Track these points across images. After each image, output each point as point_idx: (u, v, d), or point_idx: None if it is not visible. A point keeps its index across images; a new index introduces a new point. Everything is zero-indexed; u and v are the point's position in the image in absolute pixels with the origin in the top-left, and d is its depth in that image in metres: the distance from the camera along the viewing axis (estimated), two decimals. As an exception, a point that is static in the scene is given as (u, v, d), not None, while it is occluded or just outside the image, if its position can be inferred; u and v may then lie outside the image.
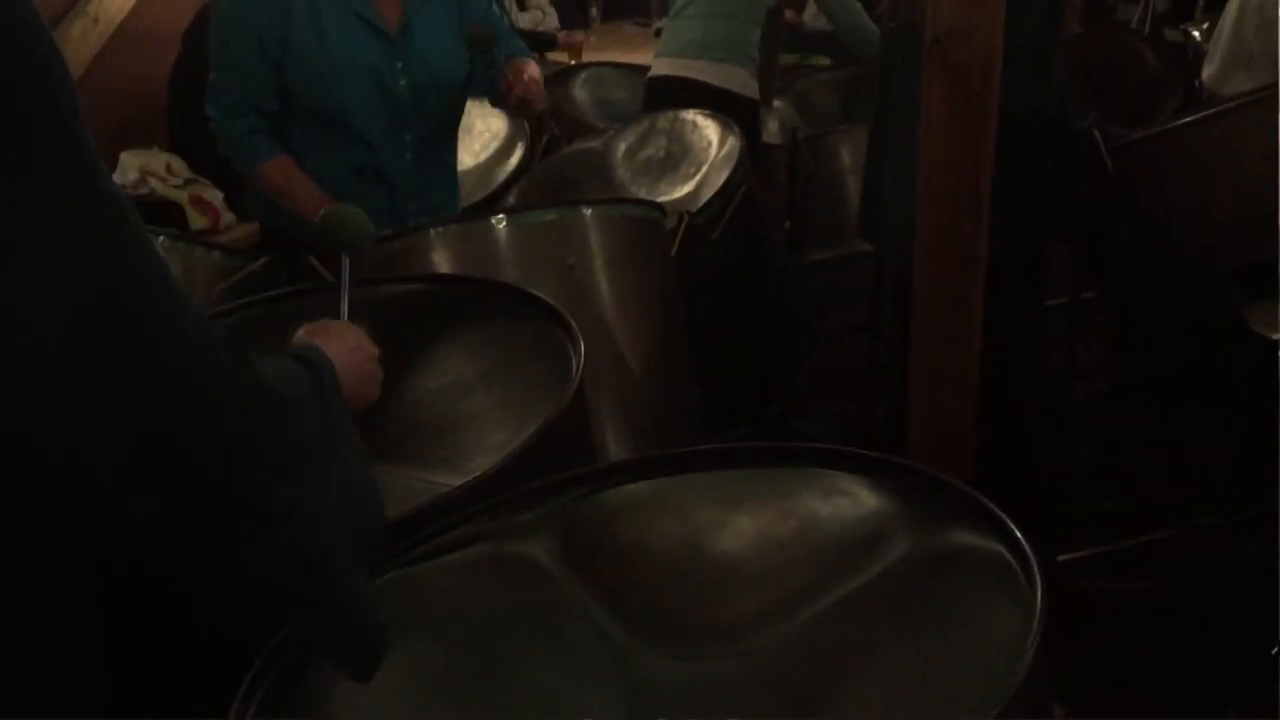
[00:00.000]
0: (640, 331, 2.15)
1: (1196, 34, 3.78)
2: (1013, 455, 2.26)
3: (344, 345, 1.16)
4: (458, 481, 1.31)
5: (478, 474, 1.28)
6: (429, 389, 1.51)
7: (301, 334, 1.22)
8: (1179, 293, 2.28)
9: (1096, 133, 2.13)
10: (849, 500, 1.18)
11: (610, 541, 1.22)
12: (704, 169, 2.83)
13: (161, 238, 2.05)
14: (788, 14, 3.90)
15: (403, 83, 2.29)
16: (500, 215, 2.09)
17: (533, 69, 2.42)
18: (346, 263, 1.43)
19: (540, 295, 1.59)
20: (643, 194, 2.91)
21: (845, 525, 1.15)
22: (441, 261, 2.04)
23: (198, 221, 3.57)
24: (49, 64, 0.72)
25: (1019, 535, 0.96)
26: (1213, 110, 2.26)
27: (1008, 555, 0.97)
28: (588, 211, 2.11)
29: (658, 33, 5.86)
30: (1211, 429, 2.79)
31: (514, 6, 5.83)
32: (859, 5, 3.61)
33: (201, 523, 0.83)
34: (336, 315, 1.47)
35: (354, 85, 2.25)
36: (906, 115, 2.06)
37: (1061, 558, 2.42)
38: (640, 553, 1.20)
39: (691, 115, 2.95)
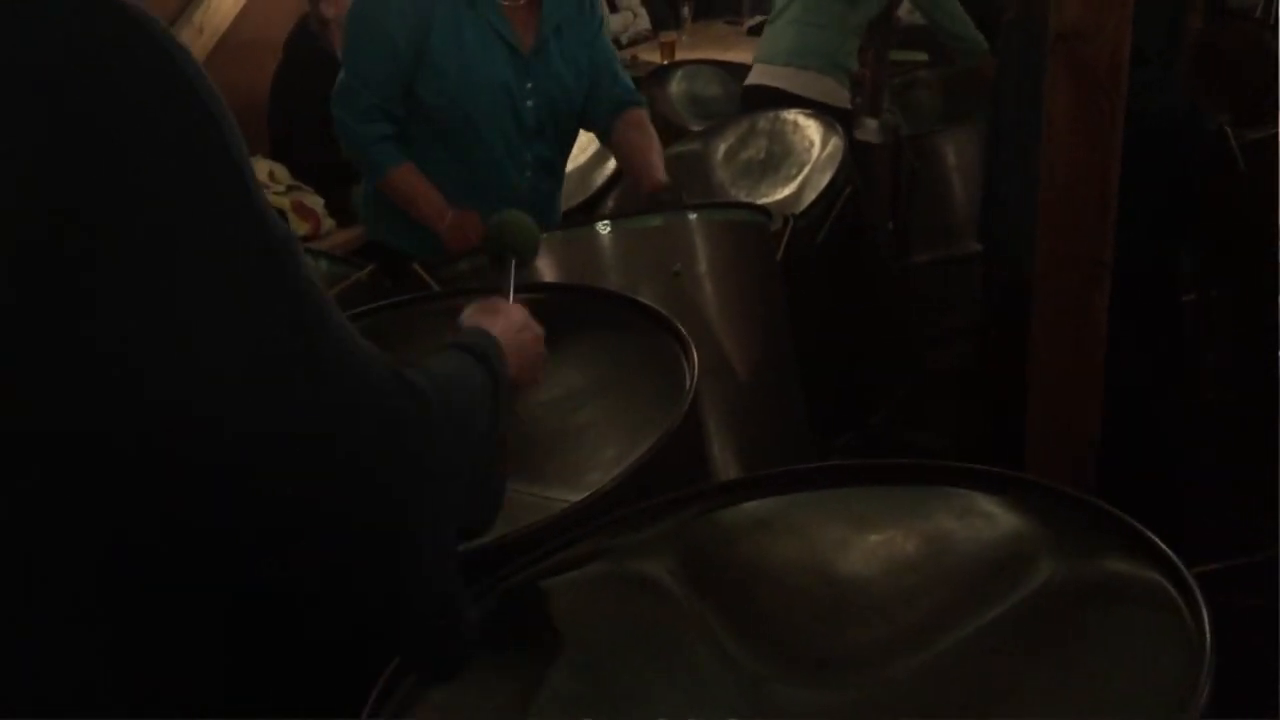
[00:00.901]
0: (746, 339, 2.11)
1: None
2: (1141, 468, 2.17)
3: (511, 325, 1.15)
4: (573, 497, 1.29)
5: (595, 490, 1.26)
6: (539, 401, 1.49)
7: (469, 314, 1.20)
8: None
9: (1229, 129, 2.04)
10: (985, 521, 1.12)
11: (733, 561, 1.19)
12: (806, 170, 2.78)
13: (271, 247, 2.06)
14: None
15: (530, 103, 2.31)
16: (605, 221, 2.07)
17: (646, 135, 2.43)
18: (513, 263, 1.40)
19: (653, 305, 1.56)
20: (743, 196, 2.87)
21: (982, 547, 1.10)
22: (545, 268, 2.03)
23: (299, 227, 3.63)
24: (220, 115, 0.71)
25: (1182, 567, 0.90)
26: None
27: (1169, 587, 0.91)
28: (693, 217, 2.08)
29: (749, 31, 5.82)
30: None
31: (605, 9, 5.82)
32: (963, 12, 3.51)
33: (366, 548, 0.80)
34: (442, 328, 1.46)
35: (485, 99, 2.27)
36: (1025, 113, 1.98)
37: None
38: (765, 573, 1.17)
39: (793, 115, 2.90)
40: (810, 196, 2.62)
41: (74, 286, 0.66)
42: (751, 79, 3.58)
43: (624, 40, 5.76)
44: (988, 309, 2.81)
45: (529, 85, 2.30)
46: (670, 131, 3.74)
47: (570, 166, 3.42)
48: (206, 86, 0.71)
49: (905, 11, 6.76)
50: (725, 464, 2.07)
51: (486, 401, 0.97)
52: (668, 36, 5.18)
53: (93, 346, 0.68)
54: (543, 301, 1.70)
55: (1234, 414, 2.79)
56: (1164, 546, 0.94)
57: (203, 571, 0.79)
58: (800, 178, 2.77)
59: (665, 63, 4.84)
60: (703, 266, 2.08)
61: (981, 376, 2.95)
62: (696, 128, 3.58)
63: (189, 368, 0.70)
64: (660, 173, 2.37)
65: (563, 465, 1.41)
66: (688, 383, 1.38)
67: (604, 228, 2.04)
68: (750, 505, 1.24)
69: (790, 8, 3.47)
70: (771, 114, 2.96)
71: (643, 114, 2.49)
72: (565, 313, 1.65)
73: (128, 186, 0.66)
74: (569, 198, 3.18)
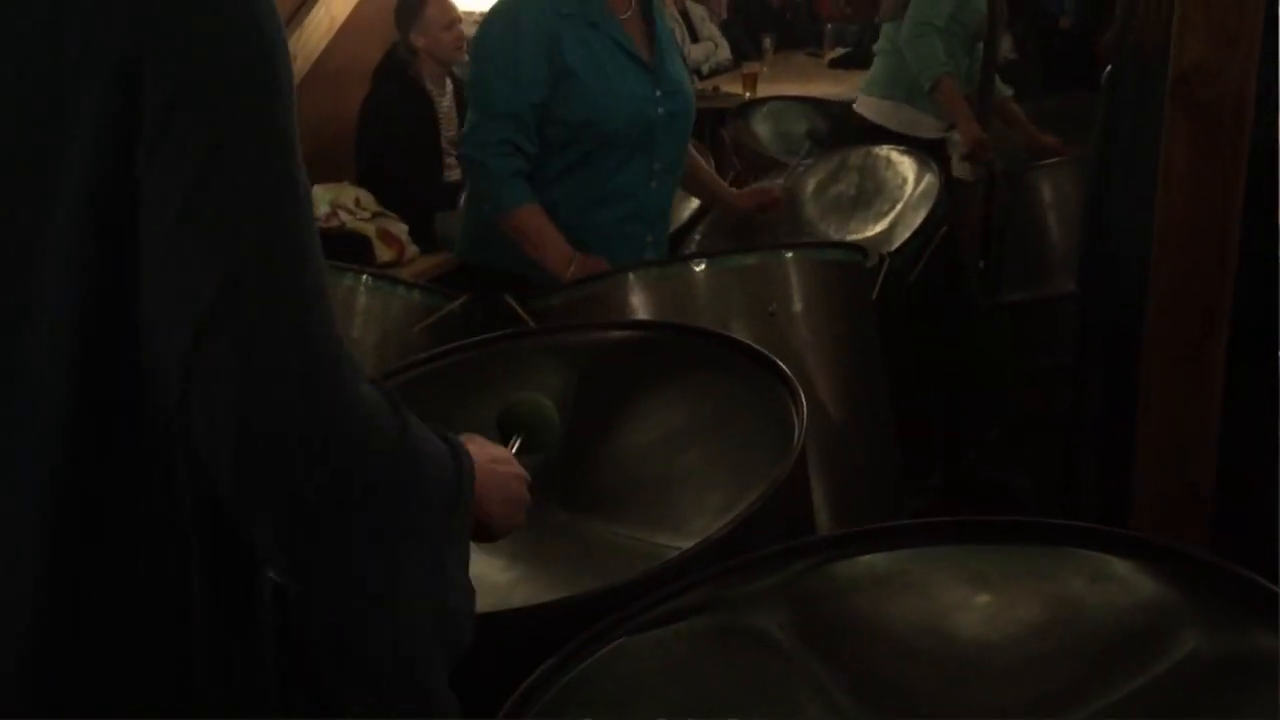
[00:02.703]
0: (842, 379, 2.08)
1: None
2: (1256, 527, 2.08)
3: (491, 455, 1.06)
4: (679, 544, 1.27)
5: (703, 538, 1.23)
6: (638, 443, 1.47)
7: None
8: None
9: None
10: (1119, 586, 1.07)
11: (847, 617, 1.15)
12: (899, 207, 2.74)
13: (365, 277, 2.07)
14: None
15: (660, 110, 2.34)
16: (700, 259, 2.05)
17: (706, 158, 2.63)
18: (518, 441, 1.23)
19: (759, 348, 1.53)
20: (831, 232, 2.83)
21: (1117, 615, 1.05)
22: (640, 305, 2.01)
23: (385, 254, 3.65)
24: (278, 62, 0.80)
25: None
26: None
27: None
28: (789, 255, 2.05)
29: (830, 63, 5.80)
30: None
31: (686, 40, 5.83)
32: None
33: (313, 536, 0.80)
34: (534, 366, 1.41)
35: (624, 112, 2.30)
36: (1137, 153, 1.93)
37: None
38: (881, 631, 1.13)
39: (885, 151, 2.86)
40: (904, 234, 2.58)
41: (130, 175, 0.76)
42: (855, 107, 3.59)
43: (705, 70, 5.77)
44: (1085, 353, 2.73)
45: (658, 93, 2.33)
46: (760, 165, 3.73)
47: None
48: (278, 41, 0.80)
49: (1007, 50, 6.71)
50: (820, 508, 2.03)
51: (447, 486, 0.89)
52: (750, 68, 5.17)
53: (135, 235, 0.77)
54: (642, 340, 1.68)
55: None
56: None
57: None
58: (892, 215, 2.73)
59: (748, 95, 4.83)
60: (798, 306, 2.05)
61: (1074, 421, 2.87)
62: (785, 162, 3.56)
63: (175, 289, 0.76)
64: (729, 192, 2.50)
65: (667, 510, 1.39)
66: (797, 431, 1.34)
67: (698, 265, 2.02)
68: (865, 559, 1.20)
69: (882, 38, 3.46)
70: (863, 149, 2.93)
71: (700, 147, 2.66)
72: (665, 352, 1.64)
73: (192, 93, 0.76)
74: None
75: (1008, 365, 3.01)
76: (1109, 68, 2.28)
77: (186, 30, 0.77)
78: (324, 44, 3.98)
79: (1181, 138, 1.67)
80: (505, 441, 1.19)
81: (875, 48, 3.49)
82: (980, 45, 3.31)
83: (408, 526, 0.85)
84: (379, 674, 0.87)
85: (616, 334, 1.69)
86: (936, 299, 2.61)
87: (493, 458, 1.07)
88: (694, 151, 2.61)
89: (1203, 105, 1.64)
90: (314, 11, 3.92)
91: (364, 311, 2.09)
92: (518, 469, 1.11)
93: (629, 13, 2.33)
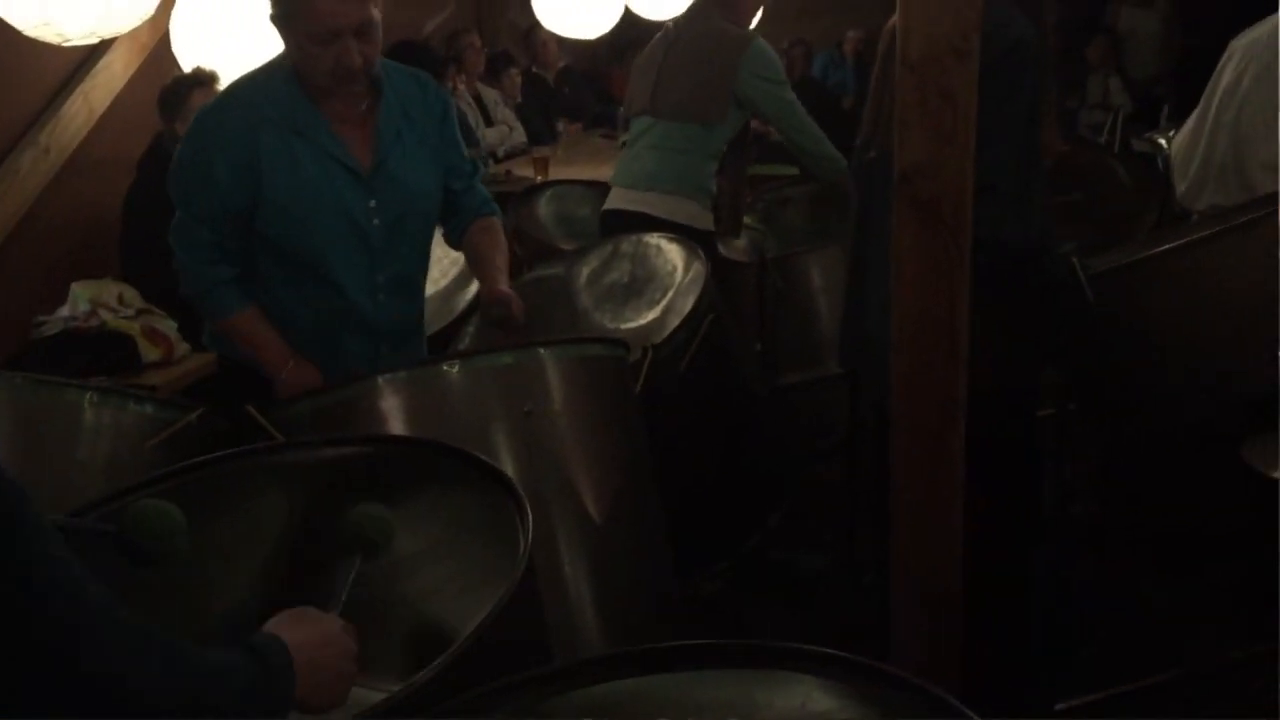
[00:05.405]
0: (605, 477, 2.03)
1: (1163, 142, 3.76)
2: (1010, 599, 2.13)
3: (314, 639, 1.10)
4: (390, 686, 1.18)
5: (409, 681, 1.15)
6: (362, 572, 1.37)
7: (274, 621, 1.14)
8: (1168, 421, 2.19)
9: (1075, 261, 2.05)
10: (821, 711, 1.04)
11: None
12: (670, 294, 2.74)
13: (90, 393, 1.92)
14: (753, 123, 3.81)
15: (376, 222, 2.23)
16: (453, 360, 1.99)
17: (492, 240, 2.41)
18: (355, 565, 1.31)
19: (487, 460, 1.46)
20: (607, 321, 2.81)
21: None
22: (391, 411, 1.93)
23: (151, 353, 3.45)
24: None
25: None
26: (1184, 240, 2.20)
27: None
28: (544, 352, 2.01)
29: (624, 145, 5.86)
30: (1209, 555, 2.67)
31: (481, 123, 5.82)
32: (818, 131, 3.49)
33: None
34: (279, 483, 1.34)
35: (327, 227, 2.19)
36: (884, 247, 1.97)
37: (1059, 706, 2.27)
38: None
39: (655, 239, 2.87)
40: (674, 322, 2.57)
41: None
42: (611, 203, 3.50)
43: (500, 154, 5.75)
44: (855, 432, 2.78)
45: (372, 204, 2.22)
46: (540, 252, 3.69)
47: (431, 290, 3.34)
48: None
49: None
50: (583, 615, 1.97)
51: (243, 695, 0.97)
52: (541, 152, 5.18)
53: None
54: (374, 455, 1.60)
55: (1100, 531, 2.80)
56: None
57: None
58: (664, 302, 2.73)
59: (539, 179, 4.82)
60: (556, 404, 2.00)
61: (852, 498, 2.92)
62: (566, 248, 3.54)
63: None
64: (498, 283, 2.33)
65: (384, 646, 1.30)
66: (521, 553, 1.28)
67: (451, 367, 1.96)
68: (599, 688, 1.15)
69: (649, 133, 3.44)
70: (635, 237, 2.93)
71: (494, 222, 2.45)
72: (398, 467, 1.56)
73: None
74: (430, 322, 3.08)
75: (790, 445, 3.03)
76: (869, 156, 2.34)
77: None
78: (83, 134, 3.78)
79: (908, 235, 1.71)
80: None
81: (647, 143, 3.44)
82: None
83: None
84: None
85: (349, 450, 1.60)
86: (709, 386, 2.60)
87: (324, 637, 1.12)
88: (483, 236, 2.42)
89: (925, 203, 1.68)
90: (71, 101, 3.73)
91: (91, 429, 1.94)
92: (346, 645, 1.15)
93: (351, 118, 2.21)
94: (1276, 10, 2.73)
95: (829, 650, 1.07)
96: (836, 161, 3.35)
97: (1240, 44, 2.78)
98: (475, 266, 2.47)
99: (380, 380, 1.93)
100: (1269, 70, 2.68)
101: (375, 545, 1.32)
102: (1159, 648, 2.53)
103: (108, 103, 3.87)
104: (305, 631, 1.09)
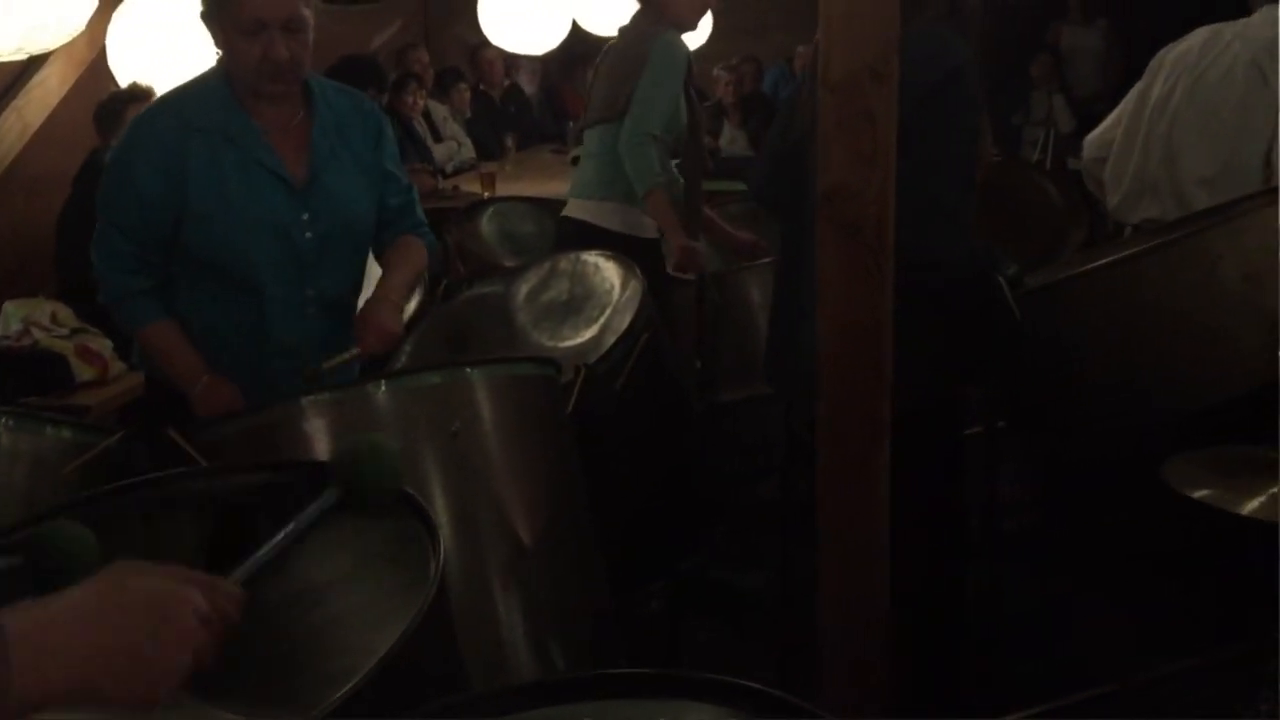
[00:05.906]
0: (535, 498, 2.01)
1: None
2: (937, 617, 2.14)
3: (95, 610, 0.90)
4: None
5: (319, 710, 1.13)
6: (266, 603, 1.34)
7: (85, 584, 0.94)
8: (1096, 440, 2.21)
9: (1002, 279, 2.07)
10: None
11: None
12: (607, 312, 2.73)
13: (4, 419, 1.88)
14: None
15: (309, 235, 2.19)
16: (380, 380, 1.96)
17: (403, 256, 2.34)
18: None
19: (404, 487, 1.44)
20: (545, 339, 2.80)
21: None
22: (316, 433, 1.90)
23: (84, 373, 3.40)
24: None
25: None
26: (1110, 259, 2.23)
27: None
28: (472, 372, 1.99)
29: (574, 160, 5.87)
30: (1143, 569, 2.70)
31: (428, 136, 5.80)
32: (647, 144, 3.22)
33: None
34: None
35: (256, 240, 2.16)
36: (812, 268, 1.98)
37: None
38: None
39: (593, 257, 2.86)
40: (610, 340, 2.57)
41: None
42: (564, 211, 3.55)
43: (449, 170, 5.73)
44: (791, 450, 2.78)
45: (305, 217, 2.19)
46: (483, 269, 3.68)
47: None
48: None
49: (727, 141, 6.95)
50: (513, 636, 1.95)
51: None
52: (488, 167, 5.17)
53: None
54: (286, 481, 1.57)
55: (1037, 547, 2.82)
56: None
57: None
58: (601, 320, 2.72)
59: (486, 194, 4.81)
60: (485, 424, 1.98)
61: (787, 516, 2.92)
62: (509, 264, 3.53)
63: None
64: (381, 304, 2.22)
65: (283, 683, 1.27)
66: (431, 577, 1.26)
67: (377, 387, 1.93)
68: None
69: (587, 142, 3.48)
70: (574, 255, 2.92)
71: (416, 240, 2.40)
72: (311, 491, 1.53)
73: None
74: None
75: (728, 464, 3.03)
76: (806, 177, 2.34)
77: None
78: (16, 150, 3.73)
79: (831, 255, 1.72)
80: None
81: (581, 151, 3.48)
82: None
83: None
84: None
85: (262, 476, 1.57)
86: (646, 404, 2.59)
87: (121, 609, 0.91)
88: (396, 250, 2.35)
89: (847, 224, 1.69)
90: (4, 117, 3.68)
91: (8, 454, 1.90)
92: (170, 613, 0.93)
93: (284, 127, 2.18)
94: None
95: (721, 677, 1.07)
96: (641, 176, 3.21)
97: (1169, 56, 2.81)
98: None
99: (304, 401, 1.90)
100: (1199, 83, 2.72)
101: (68, 567, 1.19)
102: (1093, 663, 2.55)
103: (43, 118, 3.83)
104: (84, 604, 0.90)
